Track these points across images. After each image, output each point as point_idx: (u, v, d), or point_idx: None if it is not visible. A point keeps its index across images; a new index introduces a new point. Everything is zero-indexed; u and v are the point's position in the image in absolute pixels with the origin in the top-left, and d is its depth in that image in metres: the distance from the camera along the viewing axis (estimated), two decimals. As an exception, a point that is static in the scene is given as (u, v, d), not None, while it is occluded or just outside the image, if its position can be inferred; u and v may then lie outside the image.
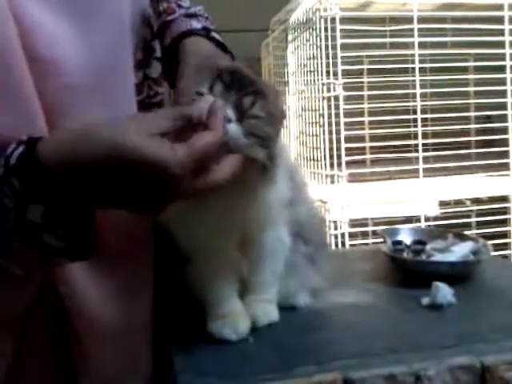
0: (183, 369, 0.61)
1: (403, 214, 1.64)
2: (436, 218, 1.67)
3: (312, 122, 1.68)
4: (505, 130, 1.70)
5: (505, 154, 1.69)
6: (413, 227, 1.23)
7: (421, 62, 1.63)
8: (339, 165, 1.56)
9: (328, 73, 1.58)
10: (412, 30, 1.60)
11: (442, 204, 1.70)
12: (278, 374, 0.58)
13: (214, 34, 0.80)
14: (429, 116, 1.81)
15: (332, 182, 1.57)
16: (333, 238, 1.53)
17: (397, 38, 1.70)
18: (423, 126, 1.64)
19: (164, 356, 0.73)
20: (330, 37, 1.55)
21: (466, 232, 1.14)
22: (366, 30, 1.65)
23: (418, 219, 1.62)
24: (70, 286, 0.63)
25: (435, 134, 1.81)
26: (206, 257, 0.67)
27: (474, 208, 1.75)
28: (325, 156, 1.58)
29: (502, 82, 1.68)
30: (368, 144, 1.75)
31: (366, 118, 1.75)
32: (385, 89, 1.69)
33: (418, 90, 1.61)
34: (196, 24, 0.80)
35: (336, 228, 1.55)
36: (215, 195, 0.60)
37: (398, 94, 1.70)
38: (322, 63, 1.57)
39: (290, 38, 1.87)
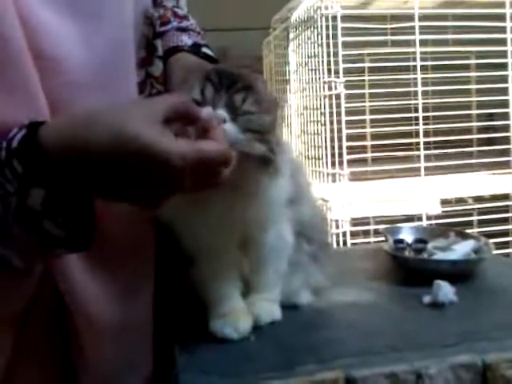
0: (185, 367, 0.61)
1: (405, 212, 1.64)
2: (437, 217, 1.67)
3: (313, 121, 1.68)
4: (507, 128, 1.70)
5: (507, 152, 1.69)
6: (414, 226, 1.23)
7: (422, 59, 1.62)
8: (341, 163, 1.56)
9: (329, 71, 1.57)
10: (413, 27, 1.59)
11: (444, 202, 1.70)
12: (280, 373, 0.58)
13: (205, 50, 0.82)
14: (430, 114, 1.81)
15: (333, 180, 1.57)
16: (334, 236, 1.53)
17: (398, 35, 1.70)
18: (425, 124, 1.64)
19: (165, 355, 0.73)
20: (331, 35, 1.54)
21: (468, 230, 1.14)
22: (367, 28, 1.64)
23: (419, 218, 1.62)
24: (70, 282, 0.63)
25: (437, 132, 1.81)
26: (208, 256, 0.68)
27: (476, 206, 1.75)
28: (326, 154, 1.58)
29: (504, 79, 1.68)
30: (369, 142, 1.75)
31: (368, 117, 1.75)
32: (386, 87, 1.69)
33: (420, 88, 1.61)
34: (187, 40, 0.81)
35: (337, 227, 1.55)
36: (217, 194, 0.60)
37: (400, 91, 1.69)
38: (323, 61, 1.57)
39: (291, 36, 1.87)
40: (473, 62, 1.89)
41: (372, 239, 1.60)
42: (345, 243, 1.55)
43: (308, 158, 1.70)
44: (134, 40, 0.72)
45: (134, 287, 0.71)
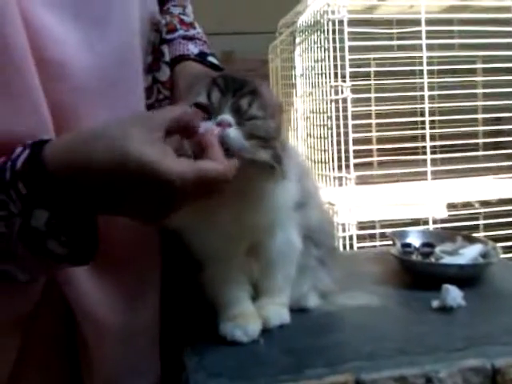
0: (195, 370, 0.62)
1: (411, 216, 1.64)
2: (444, 221, 1.67)
3: (320, 125, 1.68)
4: (513, 132, 1.70)
5: (513, 156, 1.70)
6: (422, 229, 1.23)
7: (428, 64, 1.63)
8: (347, 167, 1.56)
9: (336, 75, 1.58)
10: (419, 32, 1.60)
11: (450, 206, 1.70)
12: (290, 376, 0.58)
13: (211, 58, 0.82)
14: (437, 118, 1.81)
15: (340, 184, 1.58)
16: (341, 240, 1.53)
17: (404, 40, 1.70)
18: (431, 128, 1.64)
19: (174, 357, 0.73)
20: (337, 39, 1.55)
21: (474, 234, 1.14)
22: (374, 33, 1.65)
23: (425, 221, 1.62)
24: (75, 288, 0.64)
25: (443, 136, 1.81)
26: (217, 261, 0.68)
27: (482, 210, 1.75)
28: (333, 158, 1.58)
29: (510, 83, 1.68)
30: (376, 146, 1.76)
31: (374, 121, 1.75)
32: (392, 91, 1.69)
33: (427, 92, 1.61)
34: (193, 48, 0.82)
35: (344, 230, 1.55)
36: (224, 201, 0.60)
37: (406, 96, 1.70)
38: (329, 66, 1.57)
39: (297, 40, 1.88)
40: (479, 66, 1.89)
41: (378, 243, 1.60)
42: (351, 247, 1.55)
43: (314, 162, 1.70)
44: (140, 46, 0.72)
45: (139, 292, 0.71)
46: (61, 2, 0.61)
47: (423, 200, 1.59)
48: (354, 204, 1.55)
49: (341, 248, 1.50)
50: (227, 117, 0.59)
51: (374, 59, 1.78)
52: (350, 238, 1.55)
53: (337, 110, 1.57)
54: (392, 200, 1.61)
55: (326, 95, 1.61)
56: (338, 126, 1.57)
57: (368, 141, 1.74)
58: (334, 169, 1.59)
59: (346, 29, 1.53)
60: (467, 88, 1.76)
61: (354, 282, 0.88)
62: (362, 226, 1.61)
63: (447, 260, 0.88)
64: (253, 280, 0.71)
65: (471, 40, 1.69)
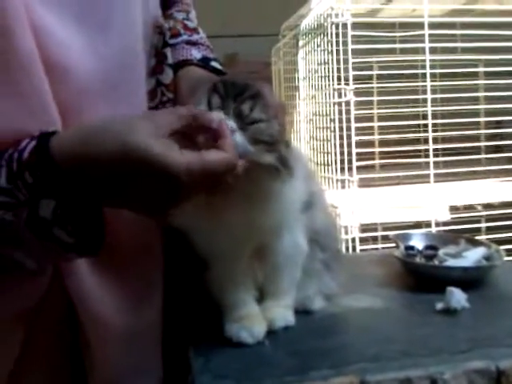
0: (201, 372, 0.62)
1: (413, 218, 1.65)
2: (446, 223, 1.67)
3: (323, 127, 1.69)
4: (515, 136, 1.71)
5: (515, 160, 1.70)
6: (425, 232, 1.24)
7: (431, 67, 1.63)
8: (350, 169, 1.57)
9: (339, 78, 1.58)
10: (422, 35, 1.60)
11: (452, 209, 1.70)
12: (295, 377, 0.58)
13: (214, 63, 0.83)
14: (439, 121, 1.81)
15: (343, 186, 1.58)
16: (343, 242, 1.53)
17: (407, 43, 1.71)
18: (433, 131, 1.65)
19: (177, 358, 0.73)
20: (341, 42, 1.55)
21: (476, 237, 1.14)
22: (377, 36, 1.65)
23: (428, 224, 1.62)
24: (79, 286, 0.64)
25: (445, 139, 1.81)
26: (223, 262, 0.68)
27: (484, 213, 1.76)
28: (335, 161, 1.59)
29: (512, 87, 1.69)
30: (378, 149, 1.76)
31: (377, 123, 1.75)
32: (395, 94, 1.70)
33: (429, 96, 1.61)
34: (196, 53, 0.83)
35: (346, 232, 1.55)
36: (230, 202, 0.61)
37: (408, 99, 1.70)
38: (333, 68, 1.58)
39: (300, 43, 1.88)
40: (481, 69, 1.90)
41: (380, 245, 1.60)
42: (354, 249, 1.55)
43: (317, 164, 1.71)
44: (143, 49, 0.72)
45: (142, 292, 0.72)
46: (65, 6, 0.61)
47: (426, 203, 1.60)
48: (357, 206, 1.56)
49: (343, 250, 1.51)
50: (230, 123, 0.59)
51: (377, 62, 1.78)
52: (353, 240, 1.56)
53: (340, 112, 1.58)
54: (394, 202, 1.62)
55: (329, 98, 1.61)
56: (340, 129, 1.57)
57: (371, 143, 1.74)
58: (336, 171, 1.59)
59: (350, 32, 1.53)
60: (469, 91, 1.77)
61: (357, 284, 0.88)
62: (364, 228, 1.62)
63: (451, 263, 0.88)
64: (258, 282, 0.71)
65: (474, 43, 1.70)
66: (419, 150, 1.71)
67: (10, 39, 0.55)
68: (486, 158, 1.80)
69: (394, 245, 1.00)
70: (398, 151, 1.73)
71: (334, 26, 1.55)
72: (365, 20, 1.66)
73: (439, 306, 0.75)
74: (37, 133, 0.56)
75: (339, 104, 1.57)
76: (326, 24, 1.58)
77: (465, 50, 1.82)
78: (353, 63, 1.55)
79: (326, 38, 1.60)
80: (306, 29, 1.81)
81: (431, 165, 1.60)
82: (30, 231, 0.54)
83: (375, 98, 1.77)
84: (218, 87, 0.62)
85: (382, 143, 1.77)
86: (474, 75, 1.88)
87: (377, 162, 1.74)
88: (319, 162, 1.70)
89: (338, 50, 1.56)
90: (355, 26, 1.56)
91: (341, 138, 1.57)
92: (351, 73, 1.55)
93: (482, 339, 0.65)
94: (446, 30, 1.68)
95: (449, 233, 1.44)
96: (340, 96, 1.57)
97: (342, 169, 1.58)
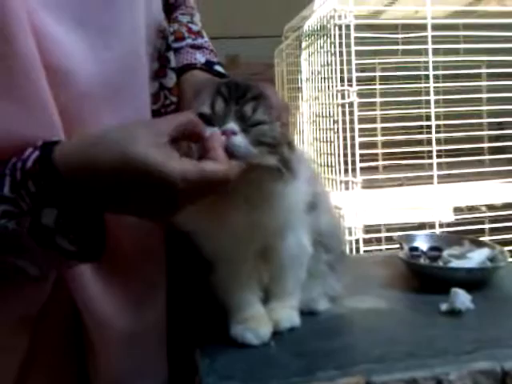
0: (208, 373, 0.62)
1: (417, 220, 1.65)
2: (449, 224, 1.67)
3: (326, 129, 1.69)
4: (517, 137, 1.71)
5: (517, 161, 1.70)
6: (429, 233, 1.24)
7: (434, 68, 1.63)
8: (353, 171, 1.57)
9: (342, 79, 1.59)
10: (424, 37, 1.61)
11: (456, 210, 1.70)
12: (301, 378, 0.59)
13: (217, 67, 0.83)
14: (442, 122, 1.81)
15: (346, 188, 1.58)
16: (347, 243, 1.54)
17: (409, 45, 1.71)
18: (436, 132, 1.65)
19: (183, 360, 0.73)
20: (344, 44, 1.56)
21: (480, 238, 1.14)
22: (380, 38, 1.66)
23: (431, 225, 1.62)
24: (83, 290, 0.64)
25: (448, 141, 1.81)
26: (228, 263, 0.68)
27: (488, 214, 1.76)
28: (339, 162, 1.59)
29: (515, 88, 1.69)
30: (382, 150, 1.76)
31: (380, 125, 1.76)
32: (398, 95, 1.70)
33: (432, 97, 1.61)
34: (200, 57, 0.83)
35: (350, 234, 1.56)
36: (234, 204, 0.61)
37: (411, 100, 1.70)
38: (336, 70, 1.58)
39: (303, 44, 1.89)
40: (484, 71, 1.90)
41: (384, 246, 1.60)
42: (357, 250, 1.55)
43: (320, 166, 1.71)
44: (146, 53, 0.73)
45: (145, 295, 0.72)
46: (67, 11, 0.62)
47: (429, 204, 1.60)
48: (361, 208, 1.56)
49: (347, 251, 1.51)
50: (231, 125, 0.59)
51: (380, 64, 1.78)
52: (357, 241, 1.56)
53: (343, 114, 1.58)
54: (398, 204, 1.62)
55: (332, 99, 1.62)
56: (344, 130, 1.58)
57: (374, 145, 1.75)
58: (340, 173, 1.59)
59: (353, 34, 1.54)
60: (472, 93, 1.77)
61: (362, 285, 0.88)
62: (368, 229, 1.62)
63: (455, 264, 0.88)
64: (263, 283, 0.71)
65: (476, 45, 1.70)
66: (422, 151, 1.71)
67: (12, 44, 0.55)
68: (490, 160, 1.80)
69: (397, 246, 1.00)
70: (401, 152, 1.74)
71: (336, 28, 1.55)
72: (368, 22, 1.67)
73: (444, 307, 0.75)
74: (38, 136, 0.56)
75: (342, 105, 1.57)
76: (328, 26, 1.59)
77: (467, 52, 1.82)
78: (356, 65, 1.56)
79: (328, 39, 1.60)
80: (308, 30, 1.81)
81: (434, 166, 1.60)
82: (33, 239, 0.55)
83: (378, 100, 1.77)
84: (221, 89, 0.63)
85: (386, 144, 1.77)
86: (477, 76, 1.89)
87: (380, 163, 1.75)
88: (323, 164, 1.70)
89: (341, 52, 1.57)
90: (358, 27, 1.57)
91: (344, 139, 1.57)
92: (354, 74, 1.55)
93: (487, 340, 0.65)
94: (448, 32, 1.68)
95: (453, 234, 1.43)
96: (343, 97, 1.57)
97: (346, 170, 1.59)
